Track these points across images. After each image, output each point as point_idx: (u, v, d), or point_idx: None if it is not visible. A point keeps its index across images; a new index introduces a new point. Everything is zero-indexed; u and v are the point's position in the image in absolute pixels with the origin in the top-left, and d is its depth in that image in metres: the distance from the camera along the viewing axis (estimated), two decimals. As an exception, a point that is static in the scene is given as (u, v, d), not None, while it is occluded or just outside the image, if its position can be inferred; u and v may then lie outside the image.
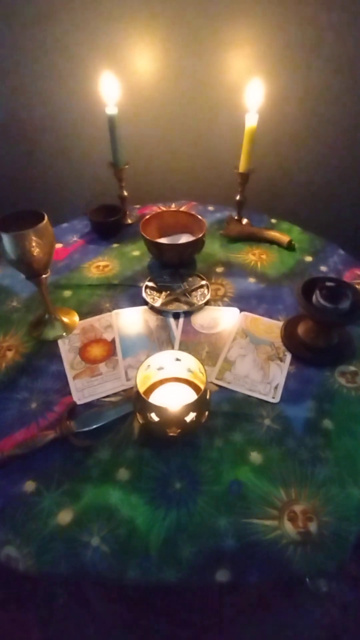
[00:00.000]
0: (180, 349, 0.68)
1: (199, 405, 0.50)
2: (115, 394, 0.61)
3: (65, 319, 0.72)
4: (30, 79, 1.12)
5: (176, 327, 0.73)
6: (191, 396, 0.56)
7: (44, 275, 0.64)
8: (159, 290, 0.79)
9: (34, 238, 0.58)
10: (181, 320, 0.74)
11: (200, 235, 0.80)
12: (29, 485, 0.51)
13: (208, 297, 0.77)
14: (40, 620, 0.92)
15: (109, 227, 0.95)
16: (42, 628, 0.91)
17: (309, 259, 0.88)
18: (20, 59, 1.09)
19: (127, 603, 0.88)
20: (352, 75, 1.06)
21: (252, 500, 0.50)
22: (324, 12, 0.97)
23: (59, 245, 0.93)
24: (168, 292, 0.78)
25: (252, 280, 0.83)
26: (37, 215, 0.60)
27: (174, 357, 0.58)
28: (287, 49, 1.03)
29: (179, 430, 0.51)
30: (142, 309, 0.76)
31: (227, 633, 0.87)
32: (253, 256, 0.89)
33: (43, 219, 0.59)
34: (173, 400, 0.56)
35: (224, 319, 0.74)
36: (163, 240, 0.85)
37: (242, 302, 0.77)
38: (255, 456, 0.54)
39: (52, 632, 0.90)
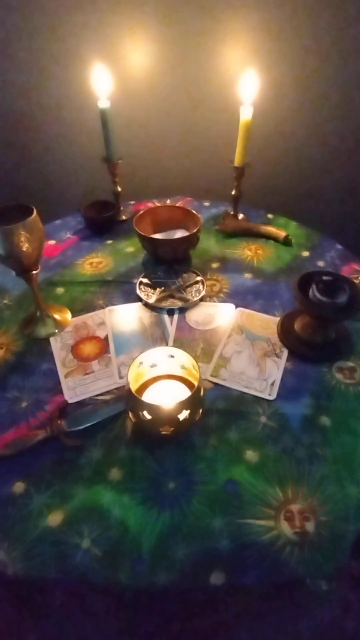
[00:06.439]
0: (174, 345, 0.67)
1: (192, 402, 0.49)
2: (107, 392, 0.60)
3: (57, 316, 0.71)
4: (21, 73, 1.10)
5: (171, 324, 0.71)
6: (185, 393, 0.55)
7: (34, 272, 0.63)
8: (153, 286, 0.78)
9: (22, 233, 0.57)
10: (176, 316, 0.73)
11: (195, 231, 0.79)
12: (18, 486, 0.50)
13: (203, 293, 0.76)
14: (37, 623, 0.91)
15: (102, 223, 0.94)
16: (39, 630, 0.90)
17: (305, 254, 0.87)
18: (9, 52, 1.07)
19: (125, 605, 0.86)
20: (349, 67, 1.04)
21: (247, 499, 0.48)
22: (319, 2, 0.95)
23: (52, 242, 0.92)
24: (162, 288, 0.77)
25: (248, 275, 0.81)
26: (26, 209, 0.58)
27: (167, 353, 0.57)
28: (282, 41, 1.01)
29: (172, 429, 0.50)
30: (136, 305, 0.75)
31: (226, 634, 0.86)
32: (249, 252, 0.88)
33: (32, 213, 0.58)
34: (166, 398, 0.55)
35: (219, 315, 0.73)
36: (157, 236, 0.84)
37: (238, 297, 0.76)
38: (250, 454, 0.52)
39: (49, 635, 0.89)
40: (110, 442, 0.54)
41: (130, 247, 0.89)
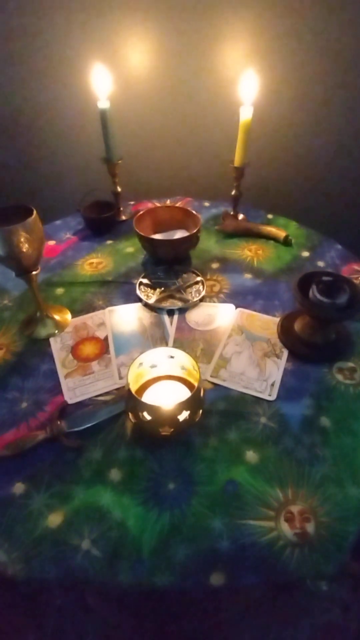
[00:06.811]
0: (174, 346, 0.67)
1: (192, 403, 0.49)
2: (107, 393, 0.60)
3: (57, 317, 0.71)
4: (20, 73, 1.10)
5: (170, 324, 0.71)
6: (185, 394, 0.55)
7: (33, 272, 0.63)
8: (153, 287, 0.78)
9: (22, 233, 0.57)
10: (175, 317, 0.73)
11: (195, 231, 0.79)
12: (18, 487, 0.50)
13: (203, 293, 0.76)
14: (37, 623, 0.91)
15: (102, 223, 0.94)
16: (39, 630, 0.90)
17: (305, 254, 0.87)
18: (9, 52, 1.07)
19: (125, 606, 0.86)
20: (349, 67, 1.04)
21: (247, 500, 0.48)
22: (320, 2, 0.95)
23: (52, 243, 0.91)
24: (162, 288, 0.77)
25: (248, 276, 0.81)
26: (26, 210, 0.58)
27: (167, 354, 0.57)
28: (283, 41, 1.01)
29: (172, 430, 0.50)
30: (136, 306, 0.75)
31: (226, 634, 0.86)
32: (249, 252, 0.88)
33: (32, 214, 0.58)
34: (166, 398, 0.55)
35: (219, 316, 0.73)
36: (157, 237, 0.84)
37: (238, 298, 0.76)
38: (251, 455, 0.52)
39: (49, 636, 0.89)
40: (110, 443, 0.54)
41: (130, 248, 0.89)
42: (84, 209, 0.94)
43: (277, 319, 0.71)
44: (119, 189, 0.95)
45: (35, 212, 0.58)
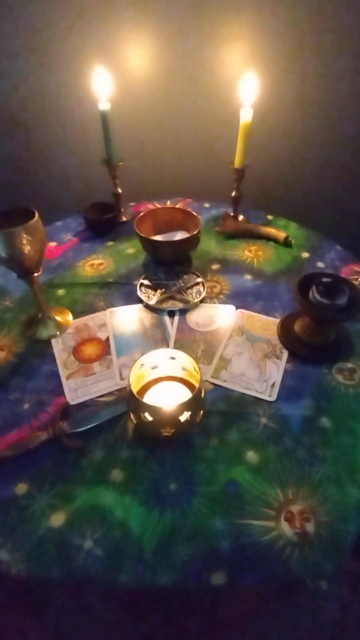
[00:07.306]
0: (175, 347, 0.67)
1: (193, 404, 0.49)
2: (109, 394, 0.60)
3: (58, 318, 0.71)
4: (22, 75, 1.11)
5: (171, 325, 0.72)
6: (186, 395, 0.55)
7: (35, 274, 0.63)
8: (154, 288, 0.78)
9: (24, 235, 0.57)
10: (176, 318, 0.73)
11: (195, 232, 0.79)
12: (21, 488, 0.50)
13: (204, 294, 0.76)
14: (39, 622, 0.91)
15: (103, 224, 0.94)
16: (41, 631, 0.90)
17: (305, 255, 0.87)
18: (10, 54, 1.08)
19: (126, 606, 0.87)
20: (348, 68, 1.04)
21: (248, 500, 0.49)
22: (320, 3, 0.95)
23: (53, 244, 0.92)
24: (163, 289, 0.77)
25: (248, 277, 0.82)
26: (28, 212, 0.59)
27: (168, 355, 0.57)
28: (282, 42, 1.01)
29: (174, 430, 0.50)
30: (137, 307, 0.75)
31: (226, 634, 0.87)
32: (249, 253, 0.88)
33: (33, 216, 0.58)
34: (167, 399, 0.55)
35: (219, 317, 0.73)
36: (158, 238, 0.84)
37: (238, 299, 0.76)
38: (251, 455, 0.53)
39: (51, 635, 0.90)
40: (111, 444, 0.54)
41: (131, 249, 0.90)
42: (84, 210, 0.94)
43: (277, 320, 0.71)
44: (120, 190, 0.95)
45: (37, 214, 0.58)
